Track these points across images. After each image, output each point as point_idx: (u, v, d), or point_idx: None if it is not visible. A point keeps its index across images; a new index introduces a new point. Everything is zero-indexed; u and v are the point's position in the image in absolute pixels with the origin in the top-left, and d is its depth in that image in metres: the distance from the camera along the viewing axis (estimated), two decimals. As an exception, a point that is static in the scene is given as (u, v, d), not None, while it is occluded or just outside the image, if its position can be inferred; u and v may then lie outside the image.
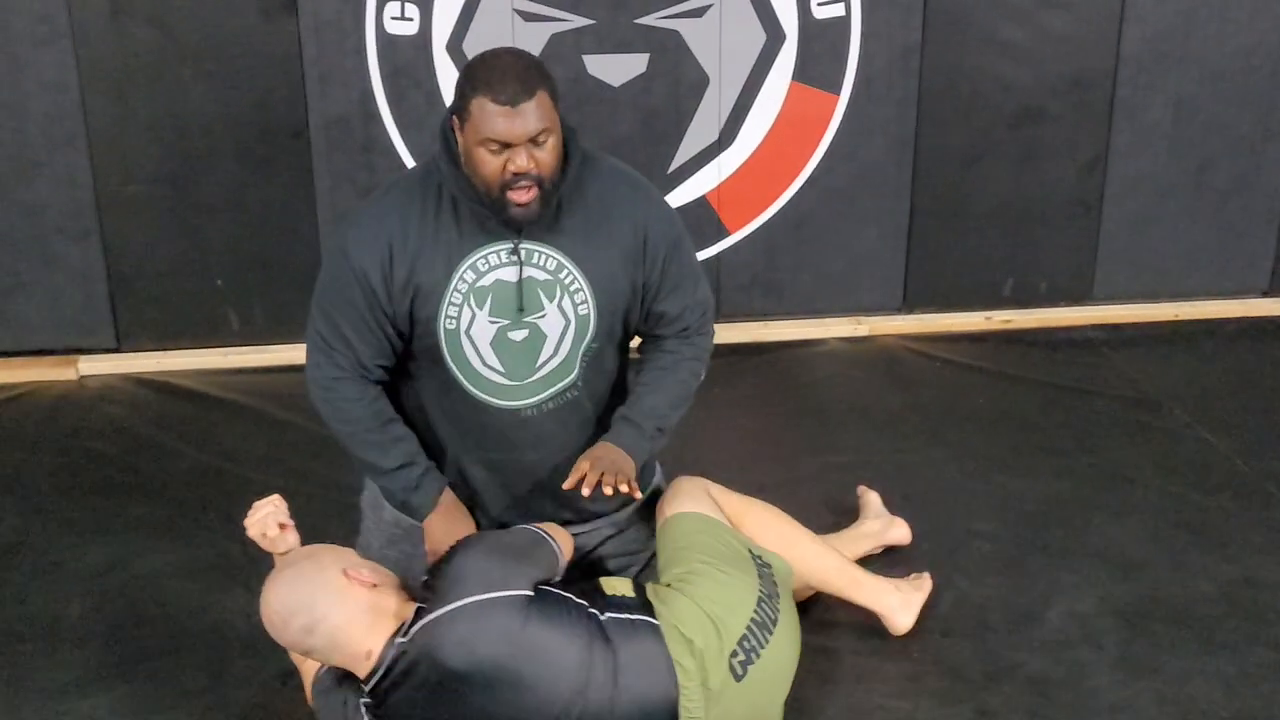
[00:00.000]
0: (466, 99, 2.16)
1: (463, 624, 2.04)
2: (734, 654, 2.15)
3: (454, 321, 2.29)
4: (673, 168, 3.87)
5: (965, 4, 3.81)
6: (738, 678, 2.15)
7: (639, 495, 2.26)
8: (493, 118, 2.11)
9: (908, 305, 4.11)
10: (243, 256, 3.81)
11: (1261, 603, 2.64)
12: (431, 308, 2.28)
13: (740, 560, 2.31)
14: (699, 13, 3.74)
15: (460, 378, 2.34)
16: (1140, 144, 4.00)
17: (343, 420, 2.36)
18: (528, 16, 3.68)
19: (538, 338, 2.31)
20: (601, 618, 2.12)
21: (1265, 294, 4.22)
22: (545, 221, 2.25)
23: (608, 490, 2.21)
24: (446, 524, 2.37)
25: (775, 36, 3.78)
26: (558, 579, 2.22)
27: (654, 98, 3.80)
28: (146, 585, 2.76)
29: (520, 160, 2.13)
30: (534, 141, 2.13)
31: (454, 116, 2.21)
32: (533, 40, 3.67)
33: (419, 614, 2.07)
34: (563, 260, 2.28)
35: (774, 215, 3.95)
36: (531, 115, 2.12)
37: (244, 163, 3.71)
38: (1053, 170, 4.01)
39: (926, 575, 2.66)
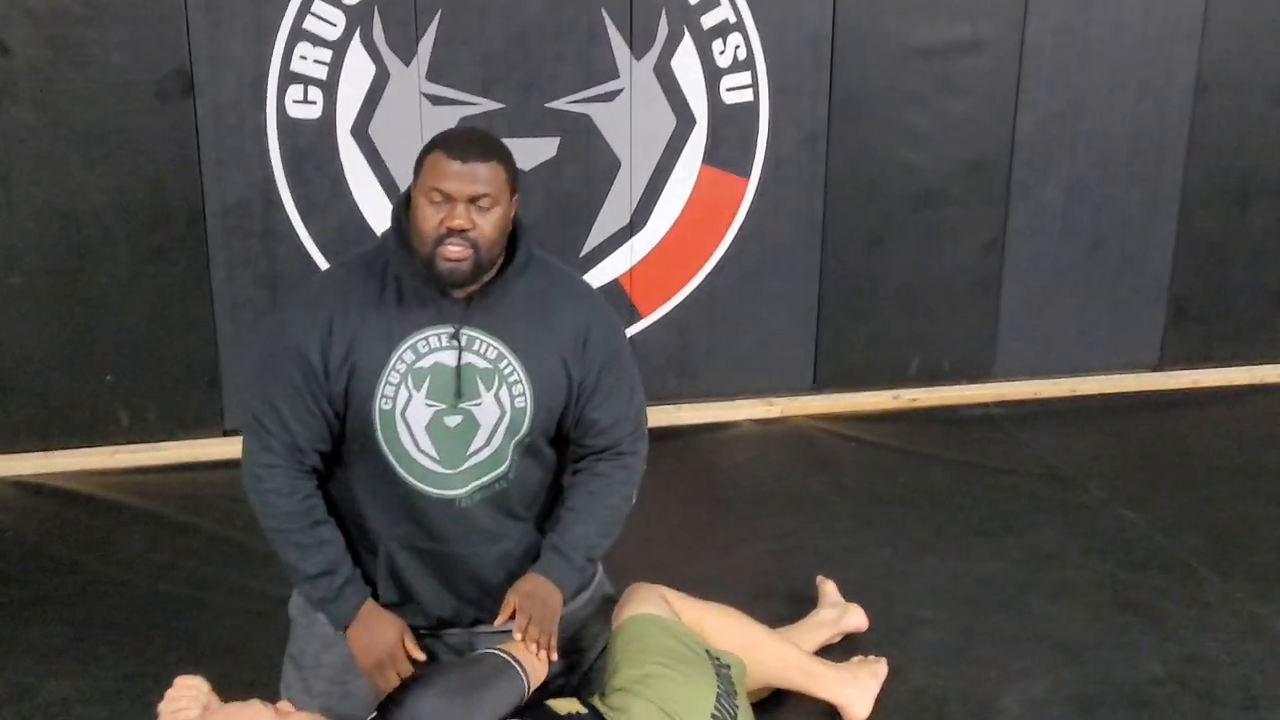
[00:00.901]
0: (424, 156, 2.16)
1: None
2: None
3: (390, 402, 2.22)
4: (585, 251, 3.82)
5: (869, 89, 3.87)
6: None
7: (554, 658, 2.18)
8: (441, 169, 2.10)
9: (818, 385, 4.12)
10: (134, 350, 3.60)
11: (1211, 681, 2.67)
12: (368, 387, 2.20)
13: (697, 660, 2.24)
14: (610, 97, 3.71)
15: (393, 462, 2.25)
16: (1035, 225, 4.12)
17: (270, 516, 2.27)
18: (436, 100, 3.60)
19: (471, 425, 2.24)
20: None
21: (1155, 368, 4.35)
22: (488, 309, 2.22)
23: (532, 649, 2.13)
24: (368, 634, 2.26)
25: (686, 120, 3.78)
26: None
27: (565, 181, 3.75)
28: (55, 715, 2.53)
29: (459, 216, 2.09)
30: (476, 203, 2.10)
31: (414, 180, 2.17)
32: (442, 123, 3.58)
33: None
34: (503, 350, 2.23)
35: (686, 297, 3.93)
36: (480, 176, 2.11)
37: (136, 251, 3.53)
38: (954, 251, 4.09)
39: (883, 660, 2.63)
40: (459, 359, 2.21)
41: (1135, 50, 4.01)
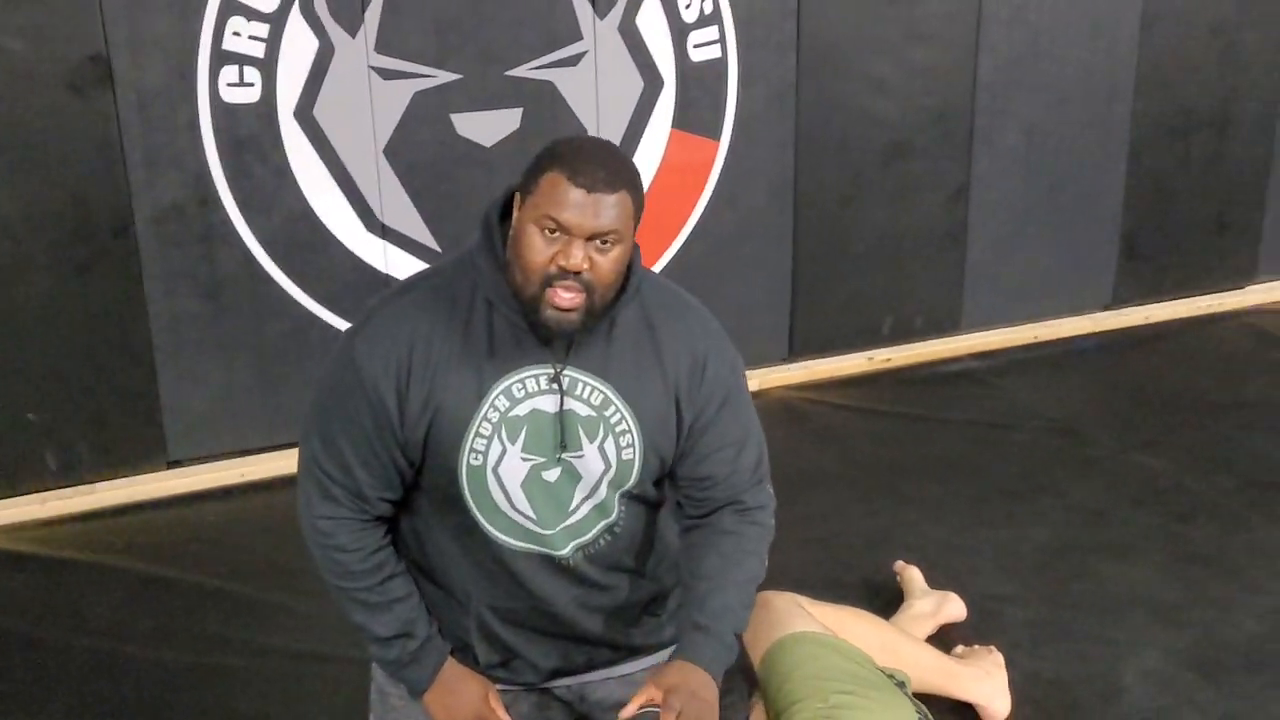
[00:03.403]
0: (539, 173, 1.77)
1: None
2: None
3: (480, 457, 1.88)
4: (554, 232, 3.50)
5: (837, 39, 3.68)
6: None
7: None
8: (560, 195, 1.72)
9: (793, 353, 3.93)
10: (59, 381, 3.12)
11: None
12: (454, 438, 1.86)
13: (881, 682, 2.03)
14: (573, 61, 3.40)
15: (482, 521, 1.92)
16: (997, 171, 4.02)
17: (334, 573, 1.95)
18: (387, 74, 3.22)
19: (572, 479, 1.92)
20: None
21: (1108, 307, 4.34)
22: (591, 345, 1.87)
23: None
24: (449, 697, 1.99)
25: (653, 82, 3.51)
26: None
27: (530, 157, 3.41)
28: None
29: (575, 255, 1.73)
30: (598, 242, 1.75)
31: (516, 194, 1.81)
32: (394, 100, 3.22)
33: None
34: (609, 395, 1.89)
35: (663, 268, 3.67)
36: (607, 210, 1.74)
37: (57, 269, 3.04)
38: (922, 203, 3.95)
39: (992, 648, 2.47)
40: (560, 404, 1.88)
41: (1086, -14, 3.94)
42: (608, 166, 1.77)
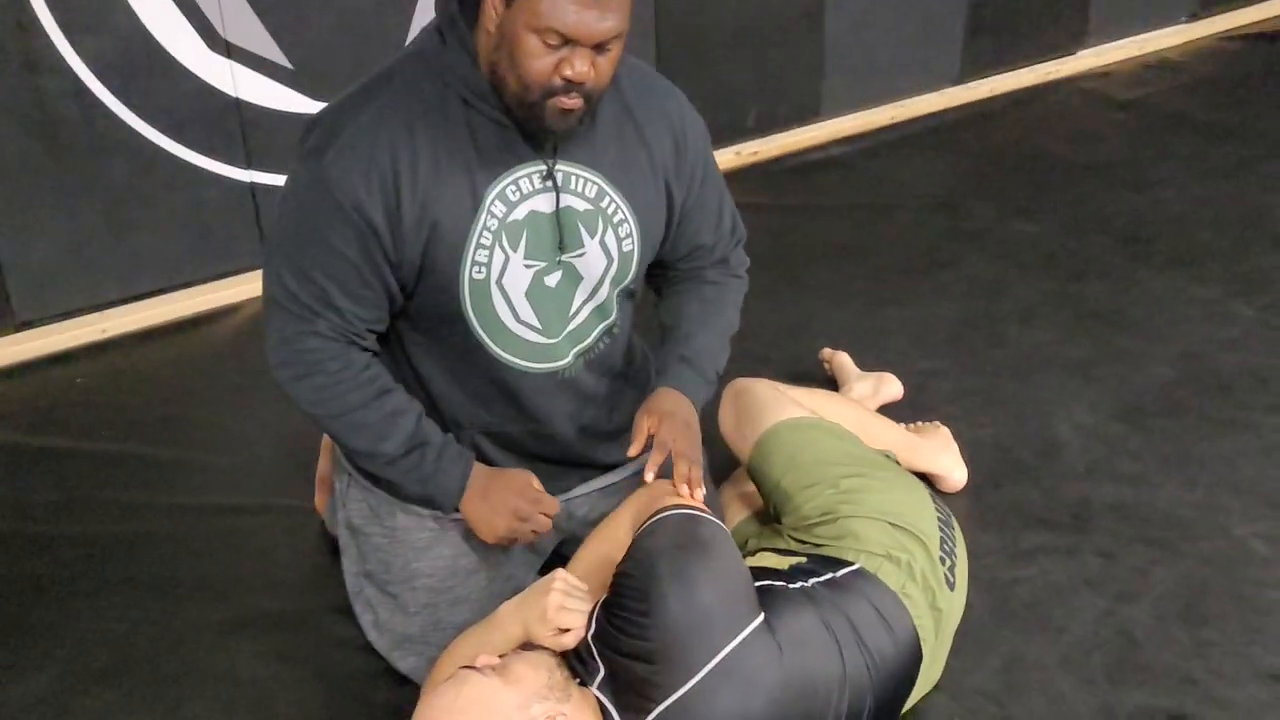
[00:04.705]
0: None
1: (726, 692, 1.55)
2: (942, 560, 1.86)
3: (483, 269, 1.76)
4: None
5: None
6: (951, 587, 1.87)
7: (704, 493, 1.81)
8: (562, 5, 1.57)
9: (663, 153, 3.82)
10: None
11: (1218, 371, 2.75)
12: (455, 251, 1.74)
13: (880, 461, 2.01)
14: None
15: (485, 339, 1.82)
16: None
17: (321, 402, 1.80)
18: None
19: (573, 281, 1.84)
20: (810, 587, 1.74)
21: (957, 81, 4.36)
22: (578, 138, 1.77)
23: (684, 491, 1.77)
24: (492, 494, 1.84)
25: None
26: None
27: None
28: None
29: (580, 65, 1.61)
30: (601, 47, 1.62)
31: None
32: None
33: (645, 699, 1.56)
34: (604, 186, 1.81)
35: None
36: (614, 13, 1.60)
37: None
38: (780, -15, 3.83)
39: (937, 423, 2.49)
40: (556, 202, 1.76)
41: None
42: None
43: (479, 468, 1.87)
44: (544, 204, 1.76)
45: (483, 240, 1.74)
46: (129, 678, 2.02)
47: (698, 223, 1.95)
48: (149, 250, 3.07)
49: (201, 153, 3.05)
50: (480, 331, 1.81)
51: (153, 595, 2.20)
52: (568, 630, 1.63)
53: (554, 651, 1.63)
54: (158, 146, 3.01)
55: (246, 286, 3.12)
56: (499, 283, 1.78)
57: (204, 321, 3.08)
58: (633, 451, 1.84)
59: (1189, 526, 2.28)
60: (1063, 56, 4.57)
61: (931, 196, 3.66)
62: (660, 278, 2.04)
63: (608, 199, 1.81)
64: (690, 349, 1.95)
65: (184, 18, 2.93)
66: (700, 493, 1.78)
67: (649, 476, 1.79)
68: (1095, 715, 1.88)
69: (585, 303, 1.86)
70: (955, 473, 2.36)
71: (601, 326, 1.90)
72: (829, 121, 4.08)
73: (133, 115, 2.95)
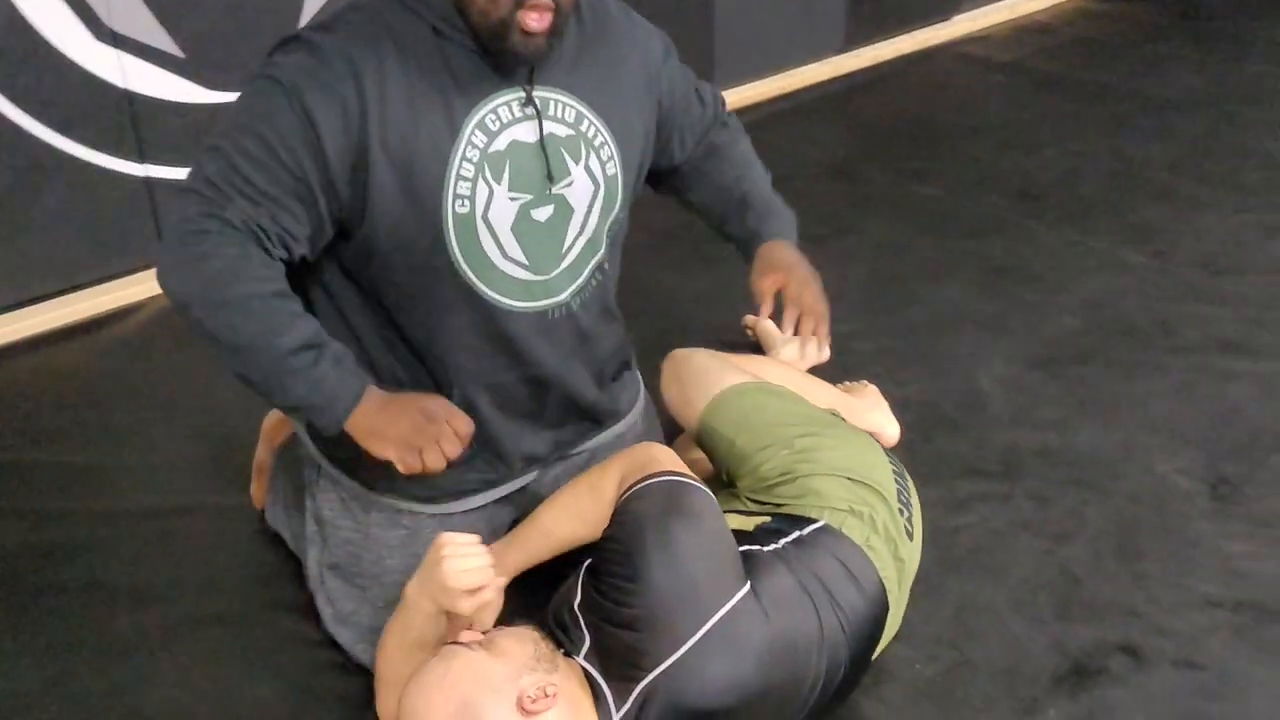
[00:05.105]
0: None
1: (716, 658, 1.57)
2: (900, 511, 1.90)
3: (466, 203, 1.69)
4: None
5: None
6: (910, 537, 1.91)
7: (826, 355, 1.93)
8: None
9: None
10: None
11: (1120, 315, 2.85)
12: (435, 181, 1.66)
13: (829, 419, 2.03)
14: None
15: (473, 278, 1.74)
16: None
17: (216, 291, 1.59)
18: None
19: (564, 214, 1.79)
20: (781, 548, 1.76)
21: (840, 51, 4.43)
22: (552, 63, 1.73)
23: (814, 341, 1.91)
24: (387, 413, 1.67)
25: None
26: None
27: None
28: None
29: None
30: None
31: None
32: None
33: (633, 668, 1.56)
34: (582, 109, 1.77)
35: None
36: None
37: None
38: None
39: (865, 382, 2.54)
40: (540, 129, 1.72)
41: None
42: None
43: (380, 390, 1.72)
44: (524, 133, 1.71)
45: (464, 172, 1.67)
46: (76, 687, 1.95)
47: (687, 114, 2.02)
48: (41, 252, 2.94)
49: (92, 148, 2.93)
50: (466, 269, 1.73)
51: (89, 603, 2.11)
52: (480, 588, 1.59)
53: (536, 624, 1.62)
54: (45, 143, 2.88)
55: (147, 285, 3.02)
56: (484, 217, 1.71)
57: (106, 323, 2.97)
58: (764, 313, 1.92)
59: (1113, 466, 2.37)
60: (939, 22, 4.68)
61: (826, 164, 3.72)
62: (677, 175, 2.09)
63: (586, 122, 1.77)
64: (759, 202, 2.05)
65: (65, 5, 2.81)
66: (826, 351, 1.99)
67: (788, 331, 1.90)
68: (1049, 652, 1.95)
69: (578, 238, 1.82)
70: (888, 429, 2.41)
71: (593, 262, 1.86)
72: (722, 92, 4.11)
73: (16, 110, 2.82)
